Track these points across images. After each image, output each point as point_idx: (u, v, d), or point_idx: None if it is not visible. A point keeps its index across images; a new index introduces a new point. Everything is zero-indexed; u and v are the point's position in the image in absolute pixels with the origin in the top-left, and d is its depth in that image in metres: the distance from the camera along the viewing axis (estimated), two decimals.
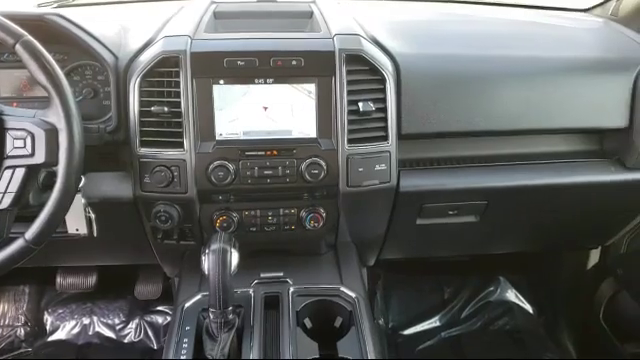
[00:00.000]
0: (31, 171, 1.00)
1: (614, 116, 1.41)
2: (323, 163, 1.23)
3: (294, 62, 1.20)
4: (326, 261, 1.45)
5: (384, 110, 1.25)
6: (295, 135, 1.24)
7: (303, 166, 1.22)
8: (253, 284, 1.30)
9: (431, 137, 1.38)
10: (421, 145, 1.41)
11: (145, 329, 2.09)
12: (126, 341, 2.07)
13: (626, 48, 1.51)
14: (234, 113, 1.22)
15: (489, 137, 1.43)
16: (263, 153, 1.23)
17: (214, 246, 1.06)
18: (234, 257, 1.07)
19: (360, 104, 1.22)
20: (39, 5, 1.69)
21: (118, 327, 2.09)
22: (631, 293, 1.82)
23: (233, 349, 1.11)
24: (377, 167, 1.26)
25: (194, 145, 1.20)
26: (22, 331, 2.08)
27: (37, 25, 1.15)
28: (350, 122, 1.22)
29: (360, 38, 1.29)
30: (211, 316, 1.09)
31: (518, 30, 1.64)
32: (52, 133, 0.98)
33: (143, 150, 1.21)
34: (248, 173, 1.22)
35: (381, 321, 2.14)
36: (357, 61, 1.23)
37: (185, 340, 1.14)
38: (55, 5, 1.70)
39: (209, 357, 1.09)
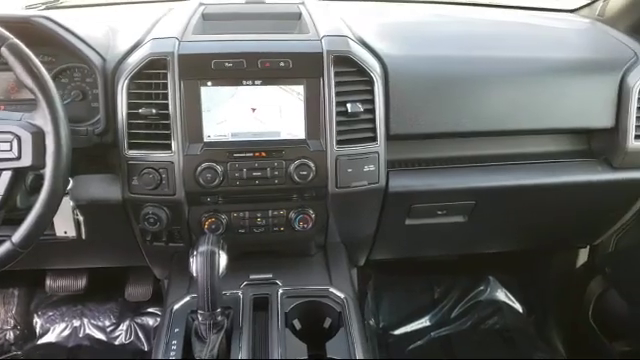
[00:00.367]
0: (18, 174, 1.00)
1: (601, 116, 1.42)
2: (312, 164, 1.23)
3: (282, 64, 1.20)
4: (315, 262, 1.45)
5: (372, 111, 1.25)
6: (283, 136, 1.23)
7: (292, 167, 1.22)
8: (242, 286, 1.30)
9: (419, 138, 1.39)
10: (410, 146, 1.42)
11: (136, 331, 2.08)
12: (117, 343, 2.06)
13: (613, 49, 1.52)
14: (222, 115, 1.21)
15: (477, 138, 1.44)
16: (251, 154, 1.22)
17: (202, 248, 1.06)
18: (222, 259, 1.07)
19: (348, 105, 1.22)
20: (27, 7, 1.68)
21: (109, 329, 2.08)
22: (619, 291, 1.83)
23: (222, 350, 1.11)
24: (366, 168, 1.27)
25: (182, 147, 1.20)
26: (11, 334, 2.06)
27: (24, 27, 1.15)
28: (339, 123, 1.23)
29: (348, 40, 1.29)
30: (200, 318, 1.09)
31: (506, 31, 1.65)
32: (39, 136, 0.98)
33: (131, 152, 1.20)
34: (236, 175, 1.22)
35: (372, 321, 2.14)
36: (345, 62, 1.24)
37: (174, 342, 1.14)
38: (43, 7, 1.69)
39: (198, 358, 1.09)
